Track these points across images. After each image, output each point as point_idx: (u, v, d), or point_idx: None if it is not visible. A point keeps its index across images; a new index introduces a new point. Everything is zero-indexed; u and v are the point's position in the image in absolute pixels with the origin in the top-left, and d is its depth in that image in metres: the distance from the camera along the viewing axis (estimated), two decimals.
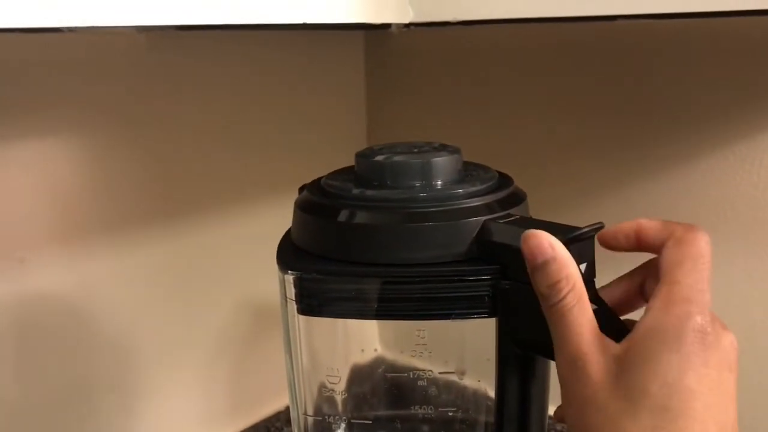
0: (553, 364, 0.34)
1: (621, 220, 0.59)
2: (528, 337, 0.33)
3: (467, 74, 0.65)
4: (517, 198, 0.37)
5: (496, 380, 0.34)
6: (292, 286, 0.36)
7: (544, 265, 0.30)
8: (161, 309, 0.59)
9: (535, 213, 0.37)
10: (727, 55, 0.52)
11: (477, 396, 0.37)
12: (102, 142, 0.53)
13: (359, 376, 0.41)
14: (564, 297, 0.29)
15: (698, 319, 0.28)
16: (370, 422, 0.40)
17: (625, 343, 0.29)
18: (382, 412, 0.41)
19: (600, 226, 0.32)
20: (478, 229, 0.34)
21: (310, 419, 0.38)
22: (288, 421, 0.67)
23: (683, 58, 0.53)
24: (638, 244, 0.33)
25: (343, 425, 0.38)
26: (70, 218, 0.52)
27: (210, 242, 0.61)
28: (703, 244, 0.31)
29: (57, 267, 0.51)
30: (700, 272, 0.30)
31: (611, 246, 0.34)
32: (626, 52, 0.56)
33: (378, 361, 0.42)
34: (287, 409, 0.68)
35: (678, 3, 0.38)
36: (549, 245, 0.30)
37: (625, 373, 0.28)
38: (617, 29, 0.56)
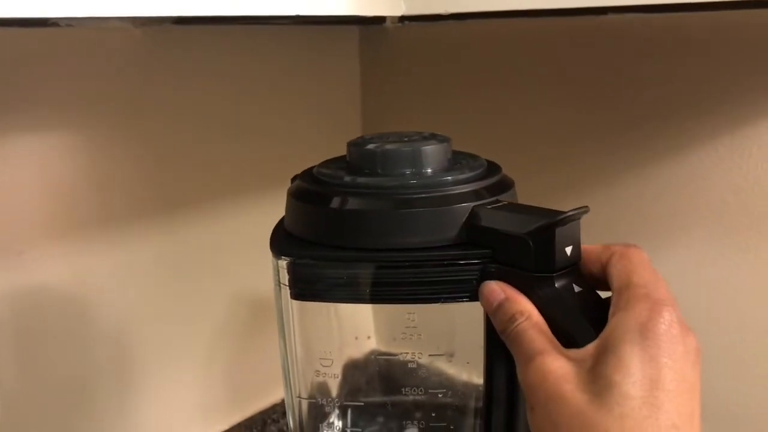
0: None
1: (609, 210, 0.60)
2: None
3: (460, 68, 0.66)
4: (505, 185, 0.38)
5: (484, 362, 0.35)
6: (285, 271, 0.36)
7: (499, 306, 0.33)
8: (158, 302, 0.59)
9: (525, 201, 0.38)
10: (717, 49, 0.52)
11: (467, 380, 0.38)
12: (100, 138, 0.53)
13: (352, 360, 0.41)
14: (520, 323, 0.32)
15: (662, 313, 0.29)
16: (362, 404, 0.40)
17: (593, 344, 0.30)
18: (374, 397, 0.42)
19: (585, 210, 0.33)
20: (466, 215, 0.35)
21: (304, 402, 0.39)
22: (284, 413, 0.68)
23: (673, 51, 0.54)
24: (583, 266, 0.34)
25: (336, 408, 0.39)
26: (68, 212, 0.52)
27: (207, 236, 0.62)
28: (644, 254, 0.33)
29: (54, 260, 0.52)
30: (651, 274, 0.31)
31: None
32: (617, 45, 0.57)
33: (370, 346, 0.43)
34: (283, 401, 0.69)
35: None
36: (499, 289, 0.33)
37: (593, 369, 0.29)
38: (608, 23, 0.56)
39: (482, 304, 0.34)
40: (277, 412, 0.68)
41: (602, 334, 0.30)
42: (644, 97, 0.56)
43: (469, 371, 0.36)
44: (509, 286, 0.33)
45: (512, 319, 0.32)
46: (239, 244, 0.63)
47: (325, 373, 0.38)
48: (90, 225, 0.54)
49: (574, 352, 0.30)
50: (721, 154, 0.54)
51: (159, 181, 0.58)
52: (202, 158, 0.60)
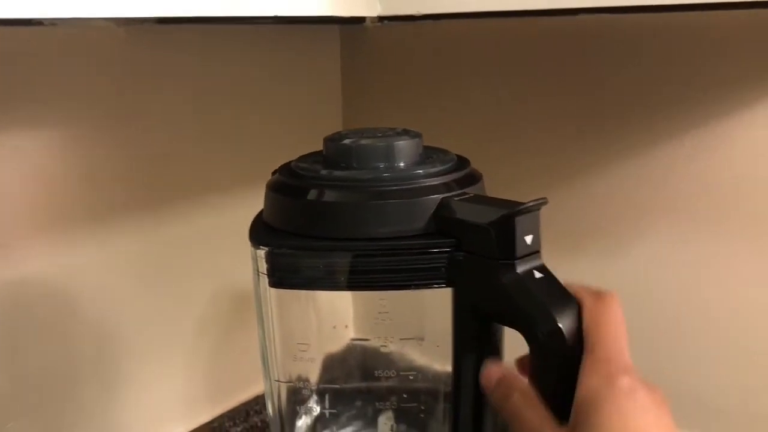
0: (506, 331, 0.37)
1: (580, 203, 0.62)
2: (481, 304, 0.36)
3: (437, 65, 0.67)
4: (473, 178, 0.40)
5: (453, 345, 0.37)
6: (263, 261, 0.38)
7: (498, 384, 0.35)
8: (142, 297, 0.60)
9: (495, 194, 0.39)
10: (686, 48, 0.54)
11: (437, 366, 0.40)
12: (84, 134, 0.54)
13: (330, 349, 0.43)
14: (515, 400, 0.34)
15: (623, 379, 0.31)
16: (339, 387, 0.42)
17: (571, 417, 0.32)
18: (351, 383, 0.44)
19: (543, 201, 0.35)
20: (436, 206, 0.37)
21: (283, 386, 0.40)
22: None
23: (643, 49, 0.56)
24: None
25: (314, 393, 0.41)
26: (53, 207, 0.53)
27: (190, 231, 0.62)
28: (615, 306, 0.35)
29: (38, 254, 0.52)
30: (616, 335, 0.33)
31: None
32: (588, 42, 0.59)
33: (348, 335, 0.44)
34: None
35: None
36: (497, 370, 0.36)
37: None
38: (579, 21, 0.58)
39: (482, 383, 0.36)
40: (259, 403, 0.69)
41: (575, 400, 0.32)
42: (614, 94, 0.58)
43: (438, 355, 0.38)
44: (506, 367, 0.36)
45: (508, 394, 0.34)
46: (221, 239, 0.64)
47: (302, 358, 0.40)
48: (74, 220, 0.55)
49: (562, 429, 0.32)
50: (688, 150, 0.56)
51: (143, 178, 0.58)
52: (185, 155, 0.61)
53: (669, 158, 0.56)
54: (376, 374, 0.40)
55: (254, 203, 0.40)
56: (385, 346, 0.39)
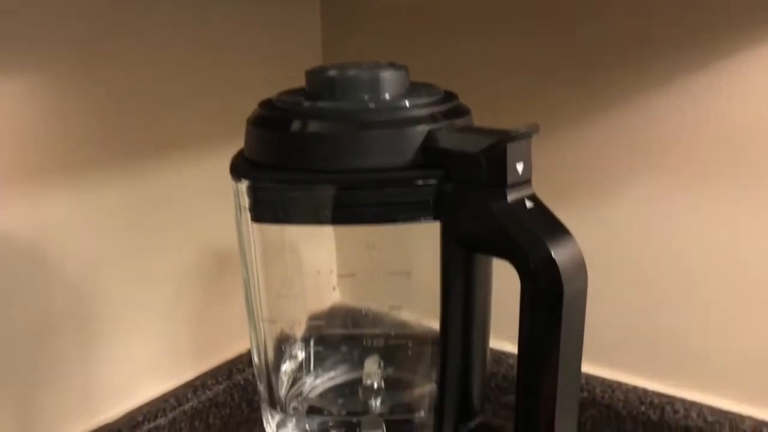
0: (495, 262, 0.36)
1: (565, 151, 0.61)
2: (471, 235, 0.35)
3: (422, 4, 0.65)
4: (461, 111, 0.39)
5: (441, 279, 0.36)
6: (245, 195, 0.37)
7: None
8: (121, 253, 0.59)
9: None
10: None
11: (424, 300, 0.39)
12: (61, 82, 0.52)
13: (314, 292, 0.42)
14: None
15: None
16: (323, 323, 0.41)
17: None
18: (337, 328, 0.43)
19: (535, 128, 0.34)
20: (423, 137, 0.36)
21: (267, 325, 0.39)
22: (249, 363, 0.69)
23: None
24: None
25: (297, 328, 0.40)
26: (27, 158, 0.52)
27: (171, 185, 0.61)
28: None
29: (13, 207, 0.51)
30: None
31: None
32: None
33: (331, 281, 0.43)
34: (248, 351, 0.69)
35: None
36: None
37: None
38: None
39: None
40: (242, 362, 0.68)
41: None
42: (603, 43, 0.57)
43: (426, 290, 0.37)
44: None
45: None
46: (205, 193, 0.63)
47: (287, 295, 0.39)
48: (50, 172, 0.53)
49: None
50: (674, 100, 0.55)
51: (122, 129, 0.57)
52: (166, 104, 0.60)
53: (657, 108, 0.56)
54: (362, 314, 0.39)
55: (231, 155, 0.39)
56: (373, 280, 0.38)
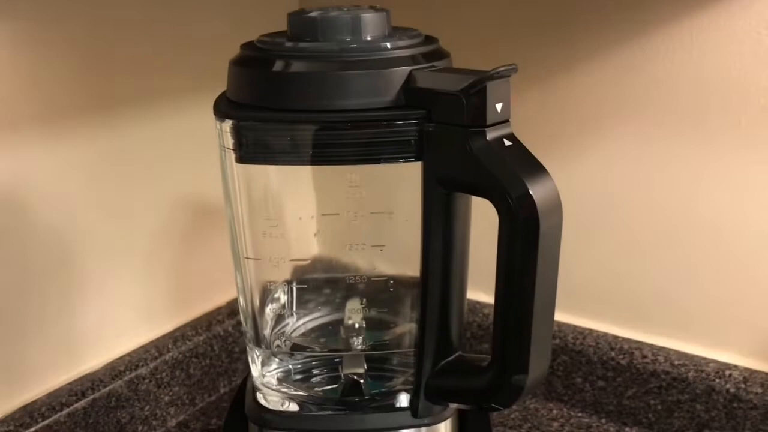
0: (474, 200, 0.37)
1: (539, 106, 0.61)
2: (451, 174, 0.36)
3: None
4: (442, 53, 0.39)
5: (422, 218, 0.37)
6: (229, 135, 0.37)
7: None
8: (100, 202, 0.59)
9: None
10: None
11: (406, 238, 0.40)
12: (36, 29, 0.51)
13: (297, 231, 0.43)
14: None
15: None
16: (308, 262, 0.42)
17: None
18: (319, 273, 0.44)
19: (514, 67, 0.35)
20: (404, 78, 0.36)
21: (251, 262, 0.40)
22: (229, 314, 0.69)
23: None
24: None
25: (282, 267, 0.40)
26: (3, 108, 0.51)
27: (150, 135, 0.61)
28: None
29: None
30: None
31: None
32: None
33: (312, 227, 0.44)
34: (228, 304, 0.70)
35: None
36: None
37: None
38: None
39: None
40: (221, 313, 0.69)
41: None
42: None
43: (407, 229, 0.38)
44: None
45: None
46: (184, 145, 0.63)
47: (272, 234, 0.40)
48: (27, 123, 0.53)
49: None
50: (647, 53, 0.56)
51: (100, 76, 0.56)
52: (144, 54, 0.59)
53: (628, 61, 0.57)
54: (346, 252, 0.40)
55: (210, 106, 0.39)
56: (355, 219, 0.39)
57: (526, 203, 0.34)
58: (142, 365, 0.61)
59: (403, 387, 0.41)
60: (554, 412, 0.64)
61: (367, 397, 0.41)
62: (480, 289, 0.64)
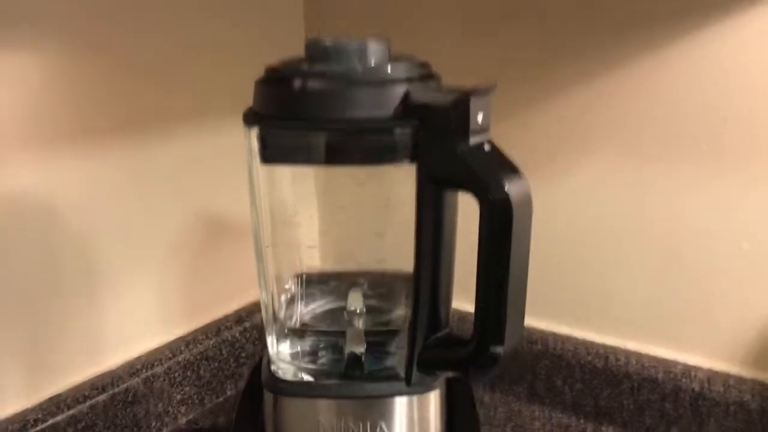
0: (461, 197, 0.44)
1: (534, 124, 0.65)
2: (440, 173, 0.43)
3: None
4: (433, 75, 0.47)
5: (416, 212, 0.44)
6: (254, 140, 0.44)
7: None
8: (124, 214, 0.63)
9: None
10: None
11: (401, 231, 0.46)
12: (73, 52, 0.56)
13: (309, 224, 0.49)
14: None
15: None
16: (318, 250, 0.48)
17: None
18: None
19: (493, 86, 0.42)
20: (402, 95, 0.44)
21: (269, 250, 0.47)
22: (236, 322, 0.74)
23: None
24: None
25: (295, 256, 0.47)
26: (39, 126, 0.55)
27: (169, 155, 0.65)
28: None
29: (26, 170, 0.55)
30: None
31: None
32: None
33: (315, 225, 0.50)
34: (235, 312, 0.74)
35: None
36: None
37: None
38: None
39: None
40: (230, 320, 0.73)
41: None
42: (558, 24, 0.61)
43: (403, 222, 0.44)
44: None
45: None
46: (199, 163, 0.67)
47: (291, 222, 0.46)
48: (62, 137, 0.57)
49: None
50: (635, 78, 0.59)
51: (130, 97, 0.61)
52: (170, 77, 0.64)
53: (614, 84, 0.60)
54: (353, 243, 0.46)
55: (237, 129, 0.44)
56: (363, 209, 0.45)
57: (502, 196, 0.40)
58: (157, 365, 0.65)
59: (398, 363, 0.47)
60: (536, 413, 0.68)
61: (367, 372, 0.47)
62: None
